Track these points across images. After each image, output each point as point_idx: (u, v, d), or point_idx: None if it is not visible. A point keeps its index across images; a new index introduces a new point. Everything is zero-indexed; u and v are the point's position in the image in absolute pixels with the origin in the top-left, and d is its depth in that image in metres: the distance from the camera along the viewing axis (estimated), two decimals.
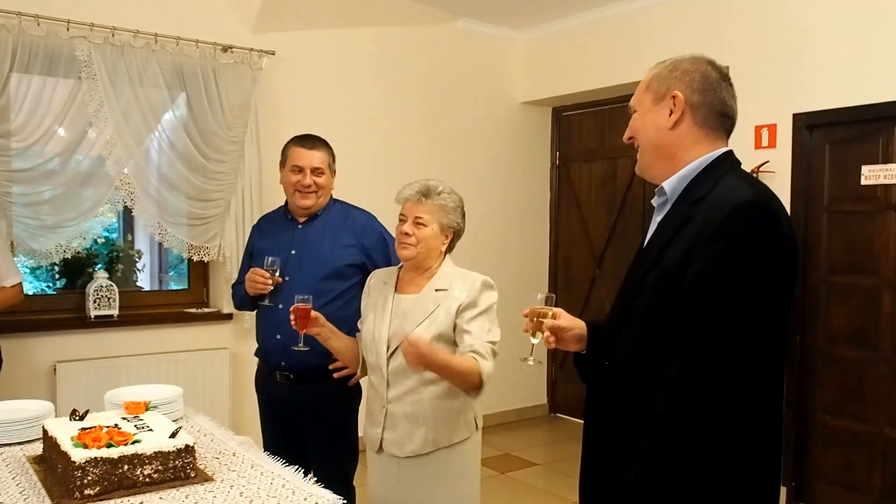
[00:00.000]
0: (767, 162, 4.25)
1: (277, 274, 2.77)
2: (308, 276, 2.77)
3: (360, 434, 2.90)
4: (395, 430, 2.29)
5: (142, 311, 4.34)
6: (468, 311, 2.25)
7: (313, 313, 2.38)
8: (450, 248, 2.38)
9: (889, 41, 3.86)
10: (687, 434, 1.45)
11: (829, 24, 4.07)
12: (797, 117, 4.22)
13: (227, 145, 4.34)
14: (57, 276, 4.58)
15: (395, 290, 2.37)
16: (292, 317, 2.37)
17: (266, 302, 2.82)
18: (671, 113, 1.63)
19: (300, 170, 2.82)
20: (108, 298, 4.16)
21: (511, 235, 5.84)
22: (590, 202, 5.85)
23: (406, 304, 2.31)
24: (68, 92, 3.94)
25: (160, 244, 4.39)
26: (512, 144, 5.86)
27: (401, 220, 2.33)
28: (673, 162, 1.64)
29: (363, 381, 2.59)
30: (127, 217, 4.83)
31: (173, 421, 2.18)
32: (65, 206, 3.98)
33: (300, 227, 2.88)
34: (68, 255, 4.04)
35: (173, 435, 1.92)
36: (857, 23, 3.96)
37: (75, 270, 4.47)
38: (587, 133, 5.88)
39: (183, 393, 2.53)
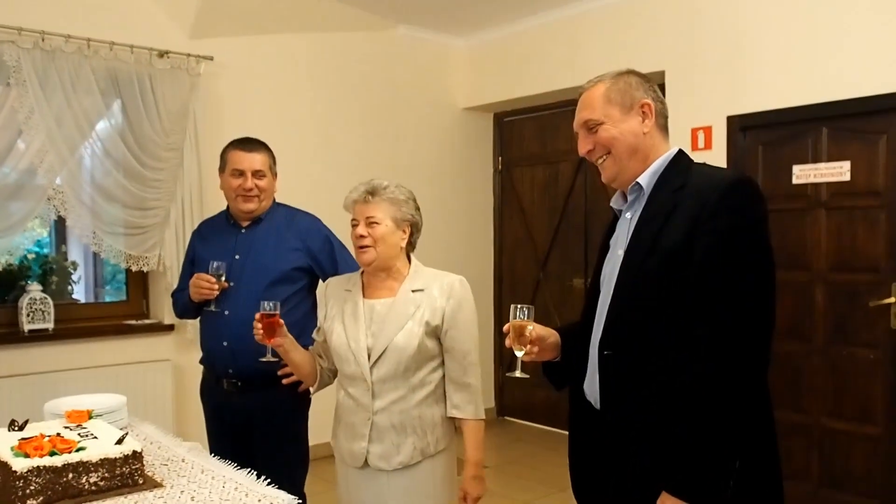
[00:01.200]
0: (704, 163, 4.37)
1: (224, 279, 2.72)
2: (254, 281, 2.73)
3: (312, 443, 2.91)
4: (383, 443, 2.21)
5: (78, 324, 4.22)
6: (452, 321, 2.23)
7: (280, 321, 2.30)
8: (411, 246, 2.34)
9: (817, 45, 4.03)
10: (728, 390, 1.61)
11: (760, 28, 4.22)
12: (731, 119, 4.36)
13: (165, 152, 4.26)
14: None
15: (364, 296, 2.29)
16: (258, 326, 2.28)
17: (212, 307, 2.76)
18: (644, 119, 1.82)
19: (241, 173, 2.78)
20: (43, 312, 4.04)
21: (455, 240, 5.87)
22: (533, 206, 5.92)
23: (381, 310, 2.24)
24: None
25: (95, 256, 4.28)
26: (454, 150, 5.90)
27: (353, 225, 2.26)
28: (644, 163, 1.83)
29: (327, 393, 2.53)
30: (60, 228, 4.70)
31: (119, 429, 2.12)
32: None
33: (243, 231, 2.84)
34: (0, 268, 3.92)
35: (119, 441, 1.88)
36: (788, 27, 4.11)
37: (6, 284, 4.32)
38: (529, 138, 5.95)
39: (127, 402, 2.47)
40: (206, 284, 2.71)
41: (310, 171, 4.87)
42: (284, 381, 2.69)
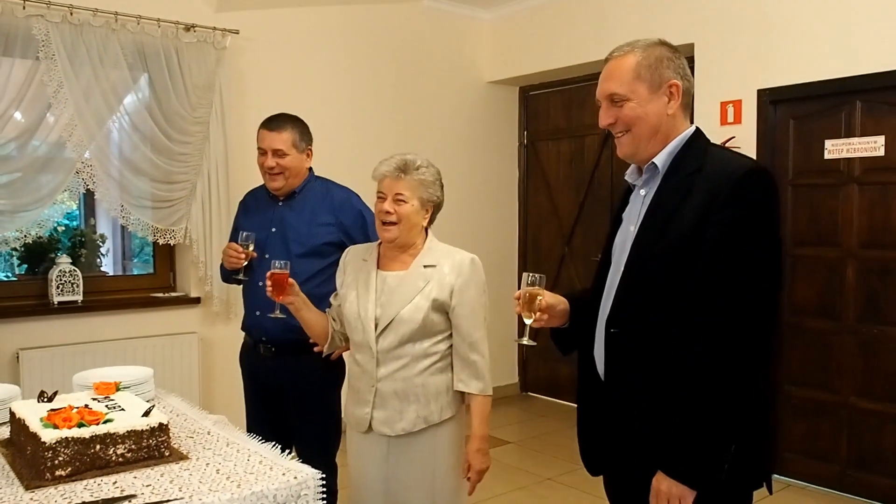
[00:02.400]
0: (733, 137, 4.29)
1: (252, 248, 2.75)
2: (284, 253, 2.76)
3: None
4: (386, 409, 2.26)
5: (107, 297, 4.26)
6: (459, 298, 2.24)
7: (290, 280, 2.35)
8: (430, 223, 2.35)
9: (851, 16, 3.91)
10: (724, 381, 1.60)
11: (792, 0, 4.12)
12: (762, 93, 4.26)
13: (191, 126, 4.26)
14: (17, 262, 4.47)
15: (378, 267, 2.33)
16: (268, 283, 2.34)
17: (240, 276, 2.82)
18: (670, 100, 1.77)
19: (263, 151, 2.84)
20: (72, 284, 4.08)
21: (480, 215, 5.84)
22: (558, 181, 5.87)
23: (393, 282, 2.28)
24: (25, 73, 3.83)
25: (123, 229, 4.31)
26: (479, 124, 5.84)
27: (379, 198, 2.28)
28: (664, 143, 1.78)
29: (346, 358, 2.57)
30: (89, 201, 4.72)
31: (146, 401, 2.14)
32: (21, 193, 3.87)
33: (280, 204, 2.89)
34: (29, 241, 3.95)
35: (146, 414, 1.89)
36: None
37: (36, 256, 4.37)
38: (554, 112, 5.88)
39: (153, 375, 2.49)
40: (233, 254, 2.76)
41: (335, 144, 4.84)
42: (316, 349, 2.71)
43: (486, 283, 2.31)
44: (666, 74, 1.77)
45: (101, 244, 4.73)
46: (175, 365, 4.26)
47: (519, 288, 1.90)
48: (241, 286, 2.96)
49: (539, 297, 1.86)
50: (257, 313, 2.80)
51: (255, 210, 2.95)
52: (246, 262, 2.76)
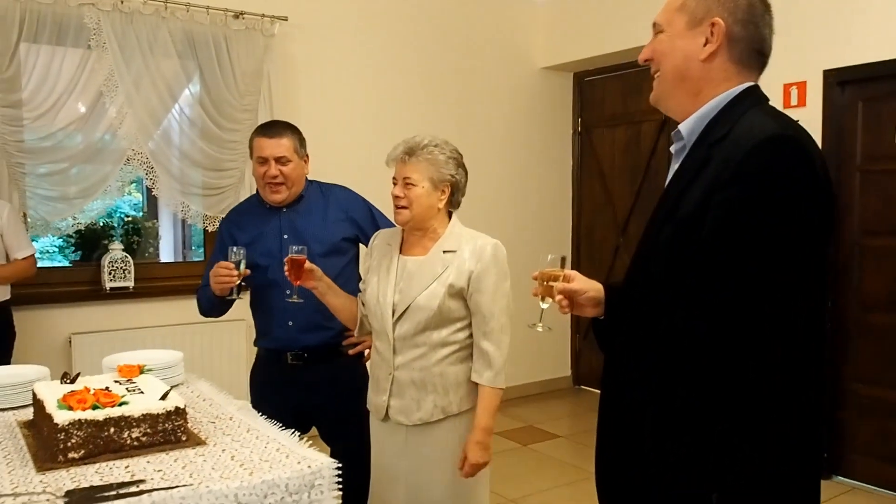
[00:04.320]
0: (797, 121, 4.04)
1: (244, 265, 2.55)
2: (307, 255, 2.67)
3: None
4: (403, 398, 2.21)
5: (158, 283, 4.28)
6: (477, 285, 2.16)
7: (308, 265, 2.30)
8: (453, 205, 2.26)
9: None
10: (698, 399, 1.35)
11: None
12: (828, 74, 4.01)
13: (240, 114, 4.25)
14: (72, 248, 4.54)
15: (400, 252, 2.29)
16: (286, 267, 2.31)
17: (233, 296, 2.62)
18: (706, 42, 1.45)
19: (264, 161, 2.66)
20: (124, 270, 4.11)
21: (532, 204, 5.70)
22: (613, 169, 5.70)
23: (412, 267, 2.23)
24: (78, 61, 3.87)
25: (183, 220, 4.32)
26: (532, 111, 5.71)
27: (393, 184, 2.23)
28: (696, 98, 1.47)
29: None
30: (149, 190, 4.78)
31: (173, 386, 2.08)
32: (77, 180, 3.93)
33: (285, 210, 2.76)
34: (81, 227, 4.00)
35: (164, 397, 1.83)
36: None
37: (90, 243, 4.44)
38: (610, 98, 5.71)
39: (195, 362, 2.43)
40: (224, 272, 2.54)
41: (383, 132, 4.76)
42: (351, 352, 2.70)
43: (508, 270, 2.22)
44: (713, 10, 1.44)
45: (155, 232, 4.77)
46: (223, 351, 4.26)
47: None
48: (257, 300, 2.82)
49: (560, 278, 1.66)
50: (290, 323, 2.68)
51: (252, 223, 2.78)
52: (239, 281, 2.57)
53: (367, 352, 2.75)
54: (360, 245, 2.80)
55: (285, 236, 2.72)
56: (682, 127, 1.49)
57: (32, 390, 1.95)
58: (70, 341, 3.92)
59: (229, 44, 4.21)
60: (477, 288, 2.17)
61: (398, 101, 4.99)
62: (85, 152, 3.93)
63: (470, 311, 2.20)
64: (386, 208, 2.80)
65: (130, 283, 4.12)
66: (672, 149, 1.55)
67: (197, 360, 3.93)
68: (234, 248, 2.56)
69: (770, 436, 1.37)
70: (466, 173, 2.26)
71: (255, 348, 3.15)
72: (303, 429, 2.65)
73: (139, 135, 3.99)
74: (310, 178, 2.81)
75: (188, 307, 4.21)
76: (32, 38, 3.72)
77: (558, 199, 5.92)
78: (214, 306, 2.77)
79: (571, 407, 5.53)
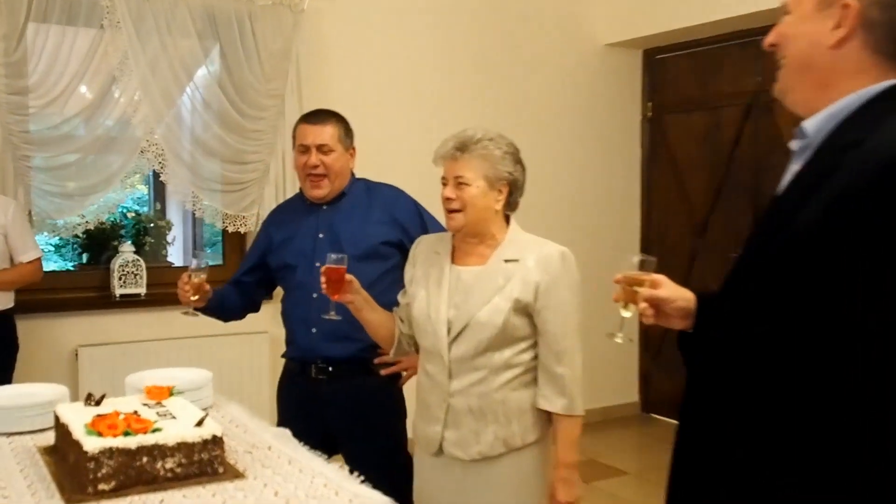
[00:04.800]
0: None
1: (204, 278, 2.69)
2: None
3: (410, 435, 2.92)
4: (459, 429, 2.23)
5: (172, 290, 4.30)
6: (546, 299, 2.20)
7: (348, 276, 2.34)
8: (511, 207, 2.30)
9: None
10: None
11: None
12: None
13: (265, 100, 4.35)
14: (79, 250, 4.68)
15: (452, 261, 2.31)
16: (323, 279, 2.34)
17: (189, 312, 2.77)
18: (836, 26, 1.40)
19: (305, 149, 2.79)
20: (135, 275, 4.23)
21: (594, 202, 5.73)
22: (689, 161, 5.70)
23: (468, 278, 2.25)
24: (89, 43, 3.99)
25: (193, 216, 4.44)
26: (594, 93, 5.73)
27: (443, 184, 2.27)
28: (825, 92, 1.43)
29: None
30: (156, 184, 4.91)
31: (202, 409, 2.18)
32: (88, 173, 4.07)
33: (325, 208, 2.87)
34: (91, 227, 4.12)
35: (199, 423, 1.91)
36: None
37: (99, 244, 4.56)
38: (685, 79, 5.72)
39: (213, 378, 2.54)
40: (179, 284, 2.71)
41: (428, 118, 4.86)
42: (383, 372, 2.76)
43: (579, 281, 2.25)
44: None
45: (167, 232, 4.90)
46: (244, 366, 4.38)
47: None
48: (285, 303, 2.95)
49: (646, 284, 1.68)
50: (314, 331, 2.78)
51: (292, 220, 2.92)
52: (196, 298, 2.69)
53: (403, 374, 2.82)
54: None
55: (320, 235, 2.82)
56: (808, 124, 1.45)
57: (55, 413, 2.05)
58: (76, 354, 4.05)
59: (254, 21, 4.31)
60: (545, 303, 2.19)
61: (444, 87, 5.06)
62: (96, 143, 4.06)
63: (536, 328, 2.22)
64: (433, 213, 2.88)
65: (142, 290, 4.25)
66: (792, 145, 1.51)
67: (215, 377, 4.01)
68: (195, 260, 2.70)
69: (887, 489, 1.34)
70: (524, 170, 2.29)
71: (282, 361, 3.30)
72: (327, 455, 2.76)
73: (155, 123, 4.12)
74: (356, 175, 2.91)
75: (204, 317, 4.35)
76: (42, 18, 3.85)
77: (624, 197, 5.93)
78: (222, 310, 2.99)
79: (639, 438, 5.55)
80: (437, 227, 2.78)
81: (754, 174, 5.24)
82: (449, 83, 5.08)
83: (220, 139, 4.28)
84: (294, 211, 2.97)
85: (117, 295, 4.20)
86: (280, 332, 4.52)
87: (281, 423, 2.83)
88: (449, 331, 2.22)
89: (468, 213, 2.21)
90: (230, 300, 3.00)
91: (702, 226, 5.61)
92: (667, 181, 5.86)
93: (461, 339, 2.20)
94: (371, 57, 4.72)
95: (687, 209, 5.71)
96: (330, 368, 2.79)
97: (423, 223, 2.82)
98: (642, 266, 1.71)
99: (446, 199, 2.23)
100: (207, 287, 2.74)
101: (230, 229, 4.41)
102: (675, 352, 1.75)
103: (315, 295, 2.74)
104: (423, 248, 2.41)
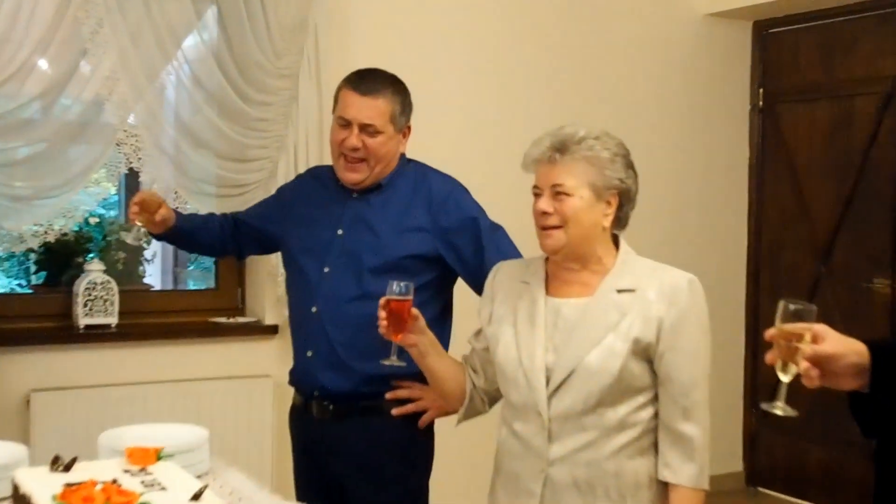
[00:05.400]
0: None
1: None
2: (352, 267, 2.80)
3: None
4: None
5: (150, 320, 4.42)
6: (672, 340, 2.20)
7: (414, 311, 2.36)
8: (620, 223, 2.32)
9: None
10: None
11: None
12: None
13: (275, 81, 4.34)
14: (34, 268, 4.68)
15: (548, 292, 2.33)
16: (382, 314, 2.35)
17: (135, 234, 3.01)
18: None
19: (346, 124, 2.81)
20: (105, 301, 4.22)
21: (688, 213, 5.71)
22: (810, 163, 5.69)
23: (571, 313, 2.28)
24: (55, 8, 3.95)
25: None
26: (690, 76, 5.72)
27: (535, 195, 2.28)
28: None
29: (478, 426, 2.58)
30: (131, 185, 4.91)
31: (196, 477, 2.16)
32: (46, 170, 4.04)
33: (354, 197, 2.89)
34: (50, 239, 4.11)
35: (197, 497, 1.91)
36: None
37: (60, 261, 4.54)
38: (807, 59, 5.70)
39: (209, 437, 2.53)
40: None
41: (476, 110, 4.88)
42: (396, 412, 2.77)
43: (708, 317, 2.27)
44: None
45: (145, 246, 4.89)
46: (241, 419, 4.36)
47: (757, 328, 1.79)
48: (290, 303, 3.03)
49: (807, 340, 1.71)
50: (309, 354, 2.83)
51: (319, 200, 2.97)
52: (140, 224, 2.91)
53: (425, 416, 2.82)
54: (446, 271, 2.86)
55: (339, 231, 2.85)
56: None
57: (13, 480, 2.05)
58: (28, 401, 4.02)
59: None
60: (671, 344, 2.20)
61: (496, 66, 5.04)
62: (60, 132, 4.06)
63: (658, 377, 2.23)
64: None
65: (113, 320, 4.23)
66: None
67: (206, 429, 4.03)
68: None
69: None
70: (637, 177, 2.31)
71: (286, 415, 3.35)
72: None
73: (135, 106, 4.10)
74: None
75: (191, 356, 4.37)
76: None
77: (727, 208, 5.90)
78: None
79: None
80: (505, 248, 2.79)
81: (895, 181, 5.21)
82: (505, 65, 5.07)
83: (214, 128, 4.27)
84: (320, 188, 3.00)
85: (82, 326, 4.19)
86: (286, 375, 4.54)
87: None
88: (548, 381, 2.22)
89: (570, 230, 2.23)
90: (205, 233, 3.17)
91: (826, 246, 5.59)
92: (782, 189, 5.84)
93: (565, 390, 2.21)
94: (408, 32, 4.72)
95: (807, 225, 5.69)
96: (331, 406, 2.82)
97: (478, 233, 2.81)
98: (799, 316, 1.73)
99: (542, 214, 2.24)
100: (164, 211, 2.88)
101: None
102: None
103: (314, 309, 2.80)
104: (505, 278, 2.43)
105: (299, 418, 2.98)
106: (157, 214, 2.86)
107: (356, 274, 2.77)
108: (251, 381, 4.42)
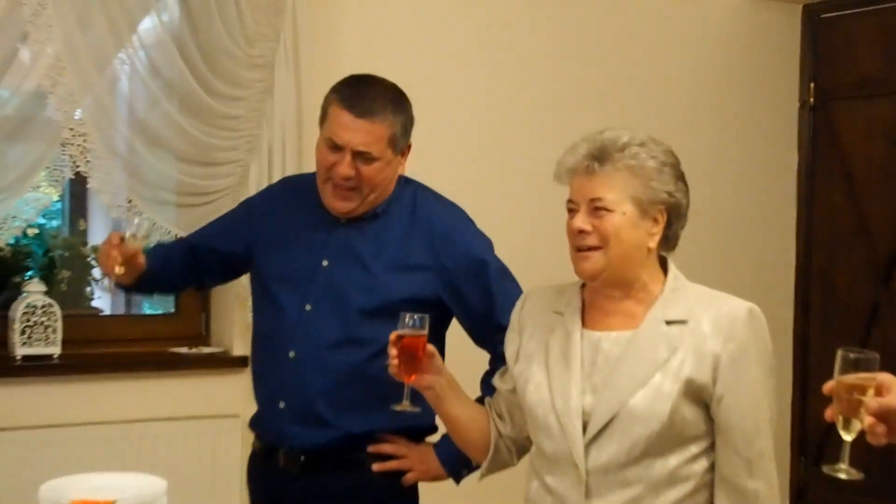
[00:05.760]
0: None
1: (143, 244, 2.87)
2: (340, 308, 2.80)
3: None
4: None
5: (99, 350, 4.39)
6: (732, 380, 2.20)
7: (429, 348, 2.37)
8: (668, 244, 2.34)
9: None
10: None
11: None
12: None
13: (246, 71, 4.32)
14: None
15: (584, 325, 2.35)
16: (393, 352, 2.35)
17: (108, 285, 2.93)
18: None
19: (336, 148, 2.78)
20: (46, 328, 4.19)
21: (725, 227, 5.69)
22: (870, 170, 5.70)
23: (612, 349, 2.29)
24: None
25: (132, 237, 4.40)
26: (730, 69, 5.73)
27: (570, 211, 2.30)
28: None
29: (504, 479, 2.62)
30: (77, 192, 4.89)
31: None
32: None
33: (343, 223, 2.88)
34: None
35: None
36: None
37: None
38: (866, 49, 5.71)
39: (168, 489, 2.50)
40: (103, 247, 2.84)
41: (489, 111, 4.88)
42: (377, 468, 2.79)
43: (773, 353, 2.27)
44: None
45: (93, 263, 4.87)
46: (205, 466, 4.34)
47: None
48: (256, 350, 3.03)
49: (870, 393, 1.74)
50: (282, 405, 2.83)
51: (297, 220, 2.95)
52: (122, 271, 2.79)
53: (408, 475, 2.84)
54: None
55: (325, 262, 2.85)
56: None
57: None
58: None
59: None
60: (730, 386, 2.20)
61: (511, 62, 5.03)
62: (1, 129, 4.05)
63: (714, 423, 2.23)
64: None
65: (56, 350, 4.20)
66: None
67: (167, 480, 3.99)
68: (137, 220, 2.86)
69: None
70: (688, 190, 2.35)
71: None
72: None
73: (83, 100, 4.08)
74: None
75: (147, 392, 4.35)
76: None
77: (772, 221, 5.91)
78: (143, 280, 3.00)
79: None
80: (508, 288, 2.83)
81: None
82: (529, 58, 5.07)
83: (174, 125, 4.25)
84: (299, 206, 2.97)
85: (19, 356, 4.16)
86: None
87: None
88: (586, 427, 2.23)
89: (611, 251, 2.23)
90: (167, 275, 3.13)
91: (887, 266, 5.60)
92: (836, 199, 5.85)
93: (605, 438, 2.21)
94: (407, 14, 4.72)
95: (865, 241, 5.70)
96: (302, 458, 2.83)
97: (487, 285, 2.82)
98: (860, 365, 1.77)
99: (577, 233, 2.24)
100: (142, 260, 2.83)
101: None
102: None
103: (292, 354, 2.81)
104: (535, 308, 2.45)
105: (261, 467, 2.99)
106: (137, 259, 2.82)
107: (343, 315, 2.79)
108: (216, 421, 4.39)
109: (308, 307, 2.80)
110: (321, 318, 2.79)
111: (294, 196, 3.06)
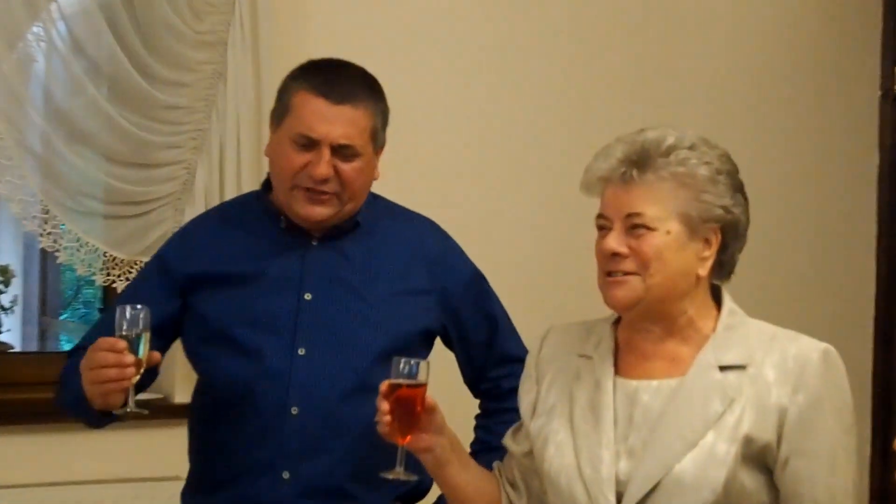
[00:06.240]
0: None
1: (145, 348, 2.60)
2: (342, 347, 2.80)
3: None
4: None
5: (10, 396, 4.35)
6: (802, 439, 2.20)
7: (429, 402, 2.36)
8: (723, 270, 2.35)
9: None
10: None
11: None
12: None
13: (192, 52, 4.33)
14: None
15: (617, 371, 2.36)
16: (385, 407, 2.33)
17: (128, 408, 2.66)
18: None
19: (311, 144, 2.77)
20: None
21: (793, 248, 5.73)
22: None
23: (652, 401, 2.32)
24: None
25: (45, 257, 4.35)
26: (799, 55, 5.75)
27: (600, 229, 2.32)
28: None
29: None
30: None
31: None
32: None
33: (315, 244, 2.89)
34: None
35: None
36: None
37: None
38: None
39: None
40: (112, 359, 2.55)
41: (488, 107, 4.91)
42: None
43: (852, 406, 2.30)
44: None
45: (2, 288, 4.87)
46: None
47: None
48: (211, 414, 3.03)
49: None
50: (286, 476, 2.79)
51: (252, 250, 2.91)
52: (137, 378, 2.60)
53: None
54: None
55: (307, 296, 2.84)
56: None
57: None
58: None
59: None
60: (799, 447, 2.20)
61: (514, 53, 5.07)
62: None
63: (780, 493, 2.23)
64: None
65: None
66: None
67: None
68: (131, 310, 2.60)
69: None
70: (748, 204, 2.33)
71: None
72: None
73: None
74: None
75: (71, 446, 4.30)
76: None
77: (847, 230, 5.91)
78: (85, 412, 2.83)
79: None
80: (514, 331, 2.93)
81: None
82: (531, 29, 5.08)
83: (102, 117, 4.26)
84: (252, 230, 2.95)
85: None
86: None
87: None
88: (620, 499, 2.24)
89: (651, 278, 2.25)
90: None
91: None
92: None
93: None
94: None
95: None
96: None
97: (488, 308, 2.88)
98: None
99: (610, 256, 2.27)
100: (158, 356, 2.70)
101: (118, 286, 4.33)
102: None
103: (295, 411, 2.78)
104: (556, 350, 2.48)
105: None
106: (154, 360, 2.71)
107: (347, 357, 2.79)
108: (154, 485, 4.37)
109: (301, 351, 2.78)
110: (324, 364, 2.78)
111: (232, 224, 3.02)
